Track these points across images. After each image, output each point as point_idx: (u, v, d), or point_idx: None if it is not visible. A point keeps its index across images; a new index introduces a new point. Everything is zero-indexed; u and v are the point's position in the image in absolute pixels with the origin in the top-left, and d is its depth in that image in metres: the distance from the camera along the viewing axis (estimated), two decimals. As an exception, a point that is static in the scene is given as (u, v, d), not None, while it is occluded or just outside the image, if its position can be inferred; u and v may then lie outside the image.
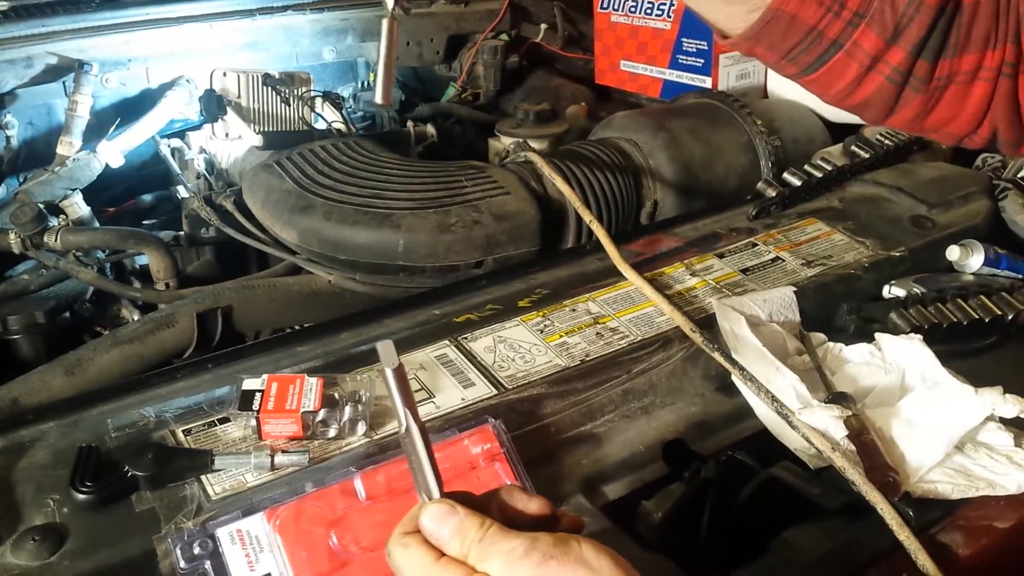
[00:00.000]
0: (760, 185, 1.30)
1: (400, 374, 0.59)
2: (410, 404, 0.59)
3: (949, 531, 0.79)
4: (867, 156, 1.38)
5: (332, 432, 0.80)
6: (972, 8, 0.70)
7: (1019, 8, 0.69)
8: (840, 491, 0.82)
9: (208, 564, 0.68)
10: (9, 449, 0.80)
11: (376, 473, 0.75)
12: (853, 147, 1.42)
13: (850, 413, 0.85)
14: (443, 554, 0.55)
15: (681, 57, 1.80)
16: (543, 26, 2.10)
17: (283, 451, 0.77)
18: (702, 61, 1.76)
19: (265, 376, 0.82)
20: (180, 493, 0.74)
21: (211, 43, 1.74)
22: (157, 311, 1.24)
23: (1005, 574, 0.78)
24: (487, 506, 0.59)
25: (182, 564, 0.68)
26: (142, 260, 1.49)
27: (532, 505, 0.60)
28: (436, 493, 0.59)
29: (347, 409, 0.81)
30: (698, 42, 1.76)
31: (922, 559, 0.73)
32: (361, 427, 0.81)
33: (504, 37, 2.08)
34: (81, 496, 0.72)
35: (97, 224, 1.54)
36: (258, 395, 0.80)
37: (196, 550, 0.69)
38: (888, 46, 0.71)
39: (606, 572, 0.53)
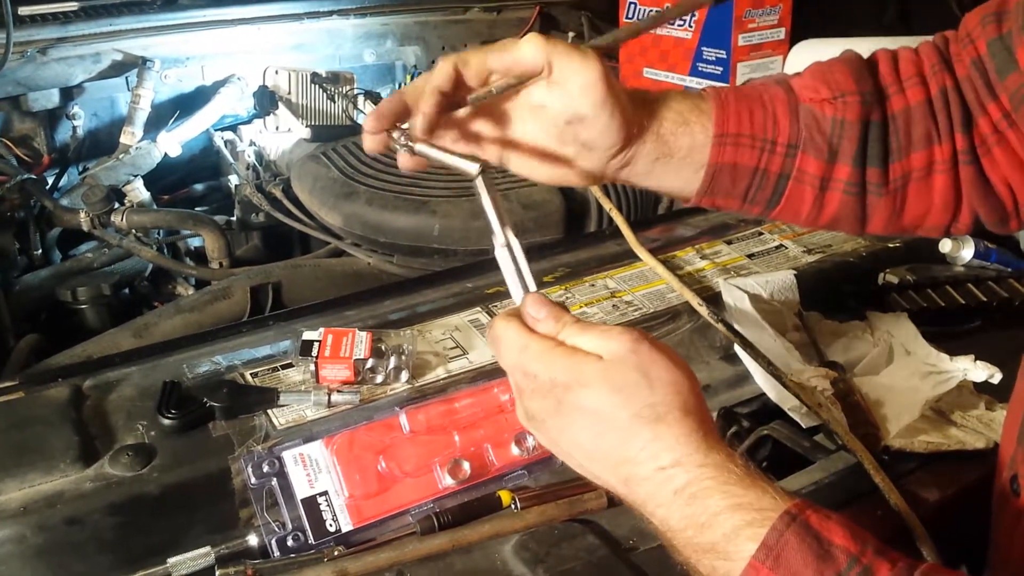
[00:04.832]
0: (769, 181, 1.40)
1: (495, 199, 0.68)
2: (506, 222, 0.68)
3: (921, 480, 0.89)
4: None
5: (379, 378, 0.92)
6: (904, 113, 0.78)
7: (962, 101, 0.77)
8: (827, 448, 0.93)
9: (275, 481, 0.80)
10: (99, 386, 0.93)
11: (418, 412, 0.87)
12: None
13: (837, 376, 0.95)
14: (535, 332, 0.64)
15: (701, 65, 1.90)
16: (571, 34, 2.22)
17: (338, 391, 0.89)
18: (721, 69, 1.86)
19: (322, 329, 0.94)
20: (250, 423, 0.86)
21: (261, 44, 1.88)
22: (214, 284, 1.37)
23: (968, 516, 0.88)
24: None
25: (253, 480, 0.80)
26: (195, 243, 1.62)
27: None
28: (534, 288, 0.67)
29: (392, 359, 0.93)
30: (717, 51, 1.86)
31: (894, 499, 0.83)
32: (404, 375, 0.93)
33: (534, 44, 2.20)
34: (166, 422, 0.85)
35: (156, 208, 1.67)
36: (316, 344, 0.92)
37: (265, 468, 0.81)
38: (831, 165, 0.78)
39: (678, 358, 0.62)
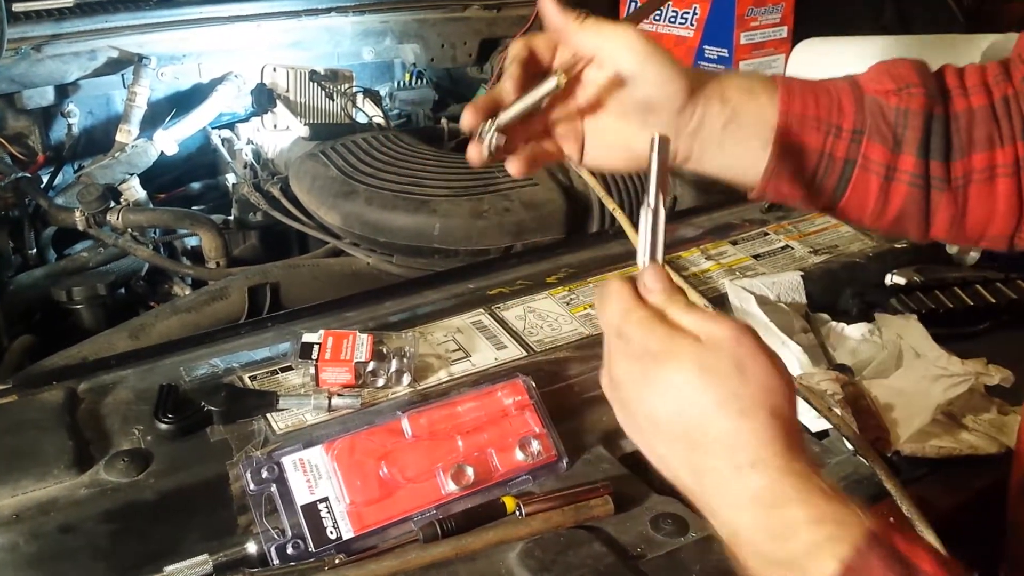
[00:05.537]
0: (773, 181, 1.38)
1: (664, 165, 0.66)
2: (664, 186, 0.67)
3: (933, 485, 0.88)
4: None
5: (380, 381, 0.90)
6: (967, 114, 0.78)
7: (1021, 112, 0.77)
8: (837, 452, 0.91)
9: (274, 487, 0.78)
10: (94, 389, 0.91)
11: (420, 416, 0.85)
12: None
13: (846, 379, 0.93)
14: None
15: (702, 64, 1.89)
16: (570, 33, 2.20)
17: (338, 395, 0.87)
18: (722, 68, 1.85)
19: (322, 331, 0.92)
20: (249, 427, 0.84)
21: (259, 42, 1.85)
22: (211, 284, 1.35)
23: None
24: None
25: (251, 486, 0.78)
26: (191, 242, 1.60)
27: None
28: (661, 261, 0.66)
29: (394, 362, 0.91)
30: (719, 49, 1.84)
31: (906, 506, 0.81)
32: (406, 378, 0.91)
33: (534, 42, 2.18)
34: (163, 426, 0.83)
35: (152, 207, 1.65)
36: (316, 347, 0.90)
37: (264, 474, 0.79)
38: (895, 154, 0.78)
39: (780, 362, 0.61)
